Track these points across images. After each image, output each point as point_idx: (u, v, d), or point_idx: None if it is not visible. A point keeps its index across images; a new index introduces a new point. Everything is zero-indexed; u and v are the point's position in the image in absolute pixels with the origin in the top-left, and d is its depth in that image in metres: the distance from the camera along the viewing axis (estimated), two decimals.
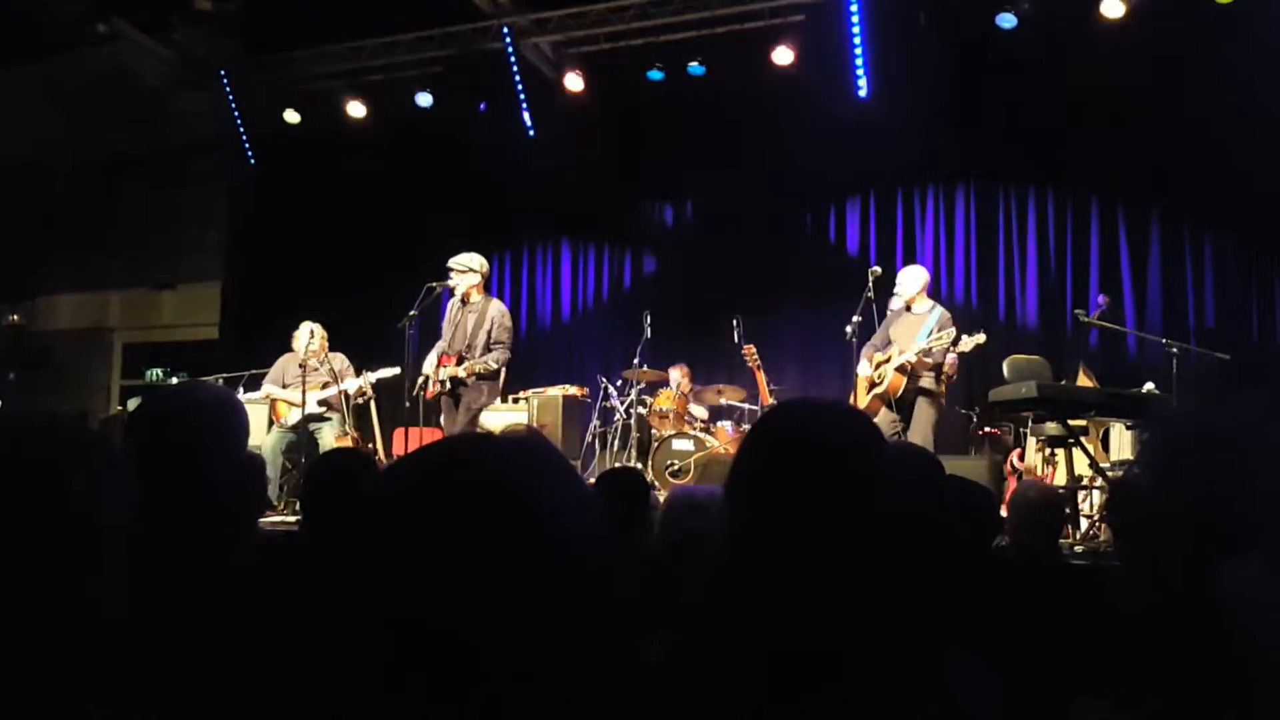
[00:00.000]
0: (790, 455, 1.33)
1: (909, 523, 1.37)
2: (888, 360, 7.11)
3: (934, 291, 9.10)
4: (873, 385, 7.15)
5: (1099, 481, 6.48)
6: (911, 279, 7.37)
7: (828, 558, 1.26)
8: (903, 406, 7.03)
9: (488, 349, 7.15)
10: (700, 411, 9.30)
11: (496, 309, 7.33)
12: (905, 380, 7.00)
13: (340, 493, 2.78)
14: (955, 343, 7.01)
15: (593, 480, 6.70)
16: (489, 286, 7.76)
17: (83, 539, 1.15)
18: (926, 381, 7.06)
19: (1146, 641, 1.39)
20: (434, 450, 0.91)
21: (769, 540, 1.29)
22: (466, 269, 7.32)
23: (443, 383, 7.21)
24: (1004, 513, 5.48)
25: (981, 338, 7.03)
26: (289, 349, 8.37)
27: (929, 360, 6.99)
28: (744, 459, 1.39)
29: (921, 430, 6.94)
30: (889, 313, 7.48)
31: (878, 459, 1.35)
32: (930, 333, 7.04)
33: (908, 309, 7.31)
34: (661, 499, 3.62)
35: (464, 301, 7.36)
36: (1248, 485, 1.06)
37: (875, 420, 6.69)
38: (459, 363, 7.15)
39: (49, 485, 1.15)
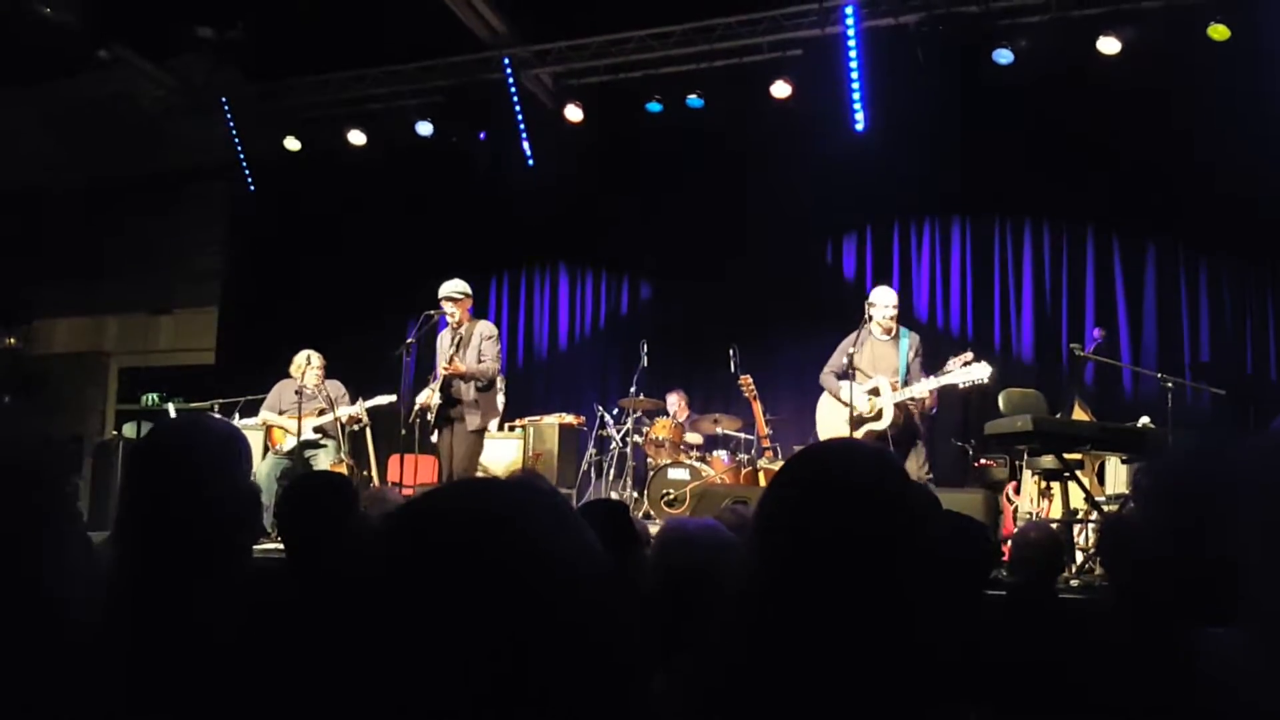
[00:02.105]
0: (830, 498, 1.34)
1: (929, 565, 1.37)
2: (874, 393, 6.89)
3: (929, 323, 9.14)
4: (862, 420, 6.93)
5: (1094, 515, 6.48)
6: (888, 300, 7.03)
7: (862, 602, 1.27)
8: (897, 442, 6.82)
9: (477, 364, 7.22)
10: (695, 439, 9.28)
11: (484, 326, 7.42)
12: (903, 415, 6.84)
13: (315, 518, 2.78)
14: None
15: None
16: (481, 310, 7.83)
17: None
18: (916, 417, 6.91)
19: (1128, 682, 1.40)
20: (440, 493, 0.91)
21: (801, 583, 1.30)
22: (461, 295, 7.37)
23: (437, 407, 7.22)
24: (1004, 545, 5.48)
25: (986, 367, 6.76)
26: (286, 375, 8.37)
27: (924, 396, 6.80)
28: (779, 500, 1.39)
29: (918, 465, 6.86)
30: (849, 337, 7.14)
31: (912, 502, 1.37)
32: (907, 359, 6.89)
33: (885, 334, 7.02)
34: (654, 530, 3.61)
35: (454, 328, 7.40)
36: (1238, 544, 1.07)
37: None
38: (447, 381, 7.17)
39: None
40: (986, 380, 6.73)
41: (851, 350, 6.95)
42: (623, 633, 0.88)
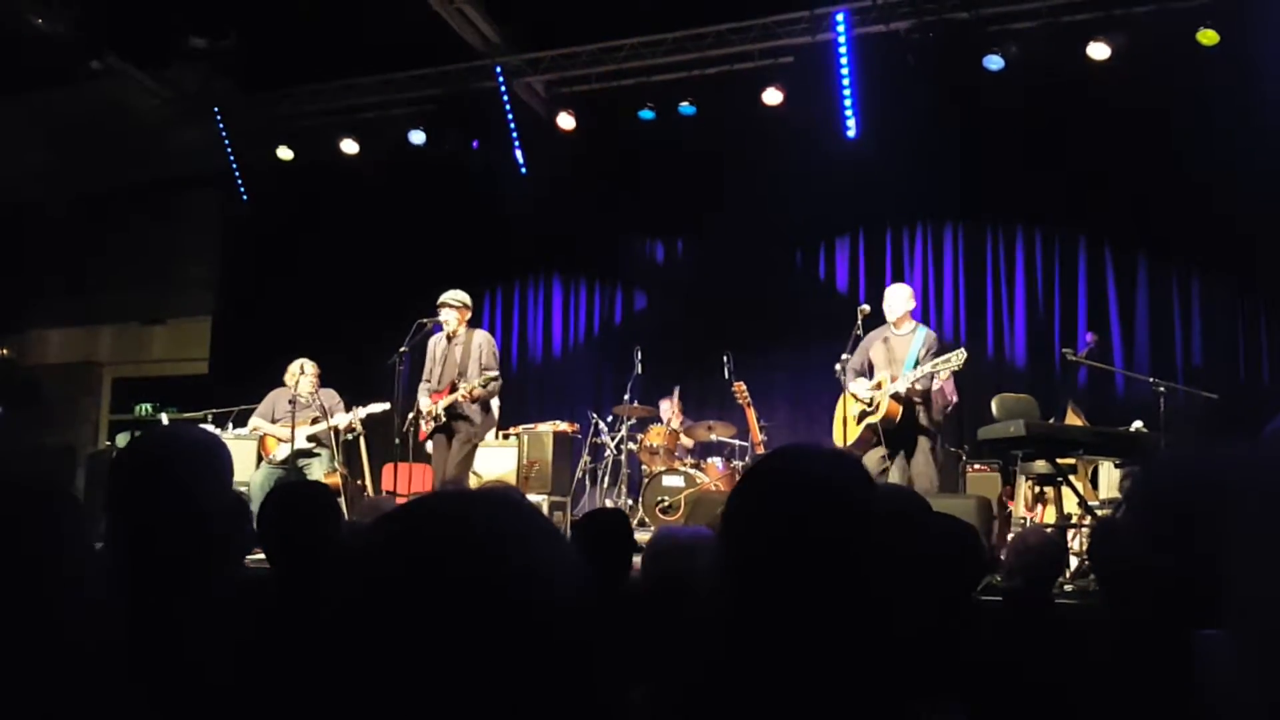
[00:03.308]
0: (786, 500, 1.35)
1: (900, 566, 1.38)
2: (878, 387, 6.89)
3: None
4: (864, 414, 6.93)
5: (1088, 520, 6.49)
6: (901, 297, 7.12)
7: (823, 601, 1.28)
8: (895, 440, 6.85)
9: (480, 375, 7.22)
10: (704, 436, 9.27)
11: (482, 337, 7.44)
12: (901, 409, 6.79)
13: (294, 528, 2.78)
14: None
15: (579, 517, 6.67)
16: (474, 320, 7.86)
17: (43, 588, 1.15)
18: (924, 416, 6.86)
19: (1125, 687, 1.40)
20: (415, 508, 0.91)
21: (764, 584, 1.30)
22: (460, 304, 7.39)
23: (437, 417, 7.23)
24: (1001, 552, 5.48)
25: (962, 354, 6.71)
26: (279, 384, 8.36)
27: (919, 387, 6.75)
28: (739, 503, 1.40)
29: (925, 469, 6.79)
30: (868, 335, 7.19)
31: (871, 503, 1.37)
32: (918, 355, 6.86)
33: (894, 329, 7.06)
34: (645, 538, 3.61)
35: (449, 337, 7.40)
36: (1230, 546, 1.07)
37: (864, 456, 6.46)
38: (452, 392, 7.18)
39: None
40: (959, 365, 6.62)
41: (871, 350, 7.06)
42: (601, 642, 0.88)
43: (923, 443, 6.84)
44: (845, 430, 7.14)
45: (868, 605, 1.28)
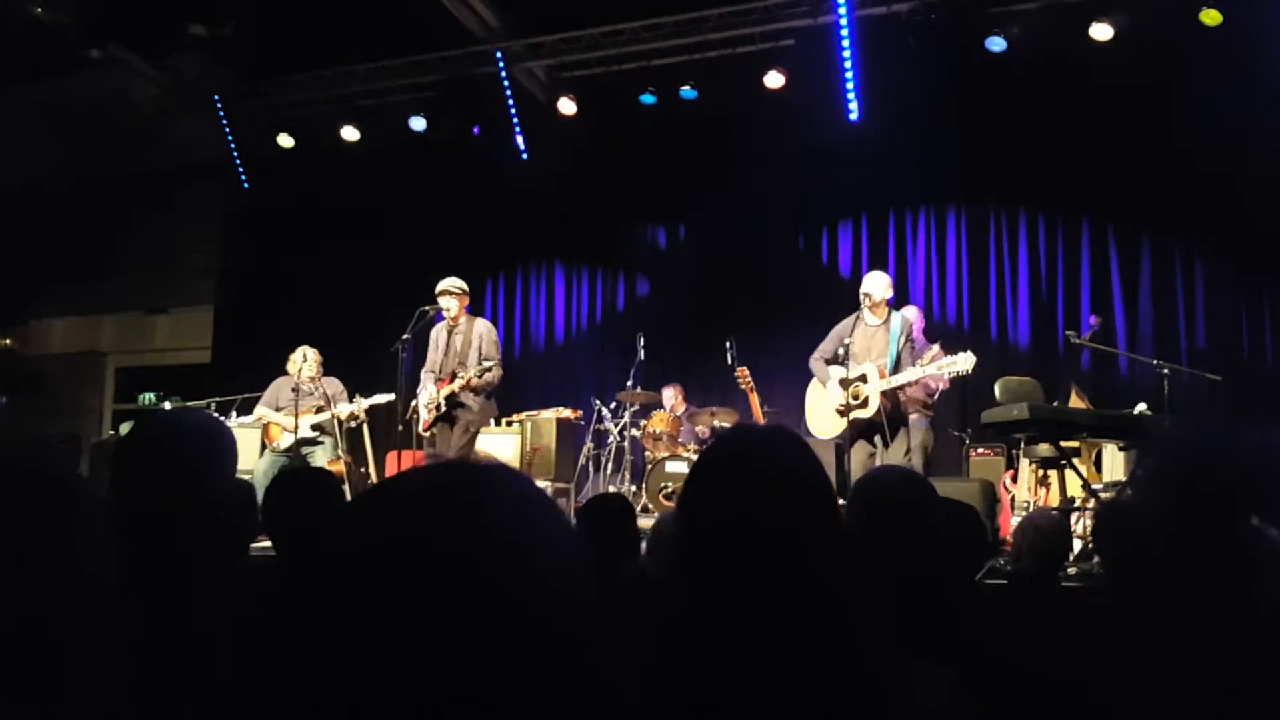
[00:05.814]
0: (722, 486, 1.37)
1: (857, 542, 1.39)
2: (862, 379, 6.73)
3: (926, 313, 9.12)
4: (849, 407, 6.70)
5: (1092, 503, 6.48)
6: (881, 285, 6.91)
7: (767, 581, 1.29)
8: (881, 429, 6.68)
9: (479, 365, 7.22)
10: (704, 432, 9.26)
11: (483, 325, 7.44)
12: (891, 403, 6.69)
13: (300, 515, 2.78)
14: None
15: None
16: (476, 307, 7.85)
17: (61, 577, 1.14)
18: (909, 403, 6.81)
19: (1135, 666, 1.40)
20: (398, 481, 0.87)
21: (711, 572, 1.32)
22: (459, 291, 7.38)
23: (439, 406, 7.23)
24: (1005, 535, 5.47)
25: (971, 359, 6.59)
26: (282, 373, 8.35)
27: (916, 383, 6.73)
28: (686, 494, 1.42)
29: (919, 455, 6.76)
30: (842, 322, 7.02)
31: (811, 482, 1.38)
32: (898, 345, 6.74)
33: (871, 316, 6.89)
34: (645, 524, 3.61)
35: (450, 325, 7.39)
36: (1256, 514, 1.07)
37: (854, 450, 6.36)
38: (452, 381, 7.19)
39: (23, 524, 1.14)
40: (969, 370, 6.55)
41: (847, 338, 6.85)
42: (593, 627, 0.85)
43: (906, 429, 6.75)
44: (821, 421, 7.03)
45: (816, 585, 1.28)
